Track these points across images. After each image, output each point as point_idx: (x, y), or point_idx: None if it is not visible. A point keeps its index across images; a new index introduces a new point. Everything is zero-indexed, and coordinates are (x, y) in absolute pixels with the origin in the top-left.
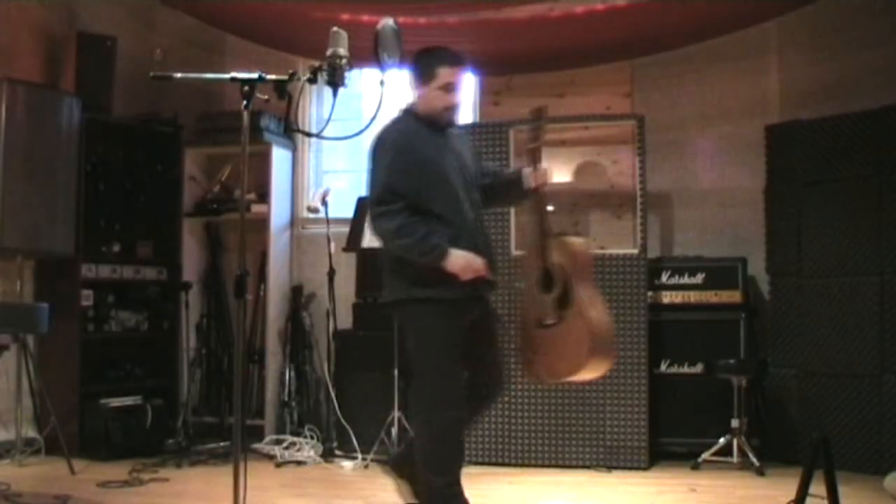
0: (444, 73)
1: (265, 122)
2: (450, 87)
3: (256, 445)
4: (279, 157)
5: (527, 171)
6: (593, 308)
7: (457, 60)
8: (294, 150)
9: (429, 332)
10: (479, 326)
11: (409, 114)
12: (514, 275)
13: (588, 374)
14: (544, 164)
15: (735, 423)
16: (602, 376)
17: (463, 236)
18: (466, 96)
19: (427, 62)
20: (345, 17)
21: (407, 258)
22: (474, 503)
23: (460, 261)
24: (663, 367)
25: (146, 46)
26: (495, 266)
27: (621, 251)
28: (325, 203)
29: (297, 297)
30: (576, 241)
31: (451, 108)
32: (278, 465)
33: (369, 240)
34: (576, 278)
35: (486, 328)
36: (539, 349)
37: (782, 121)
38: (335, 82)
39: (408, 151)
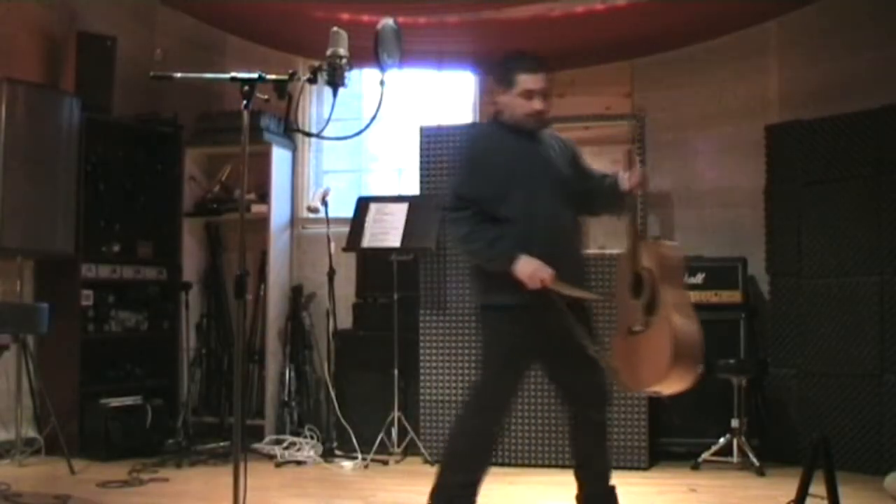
0: (523, 80)
1: (265, 122)
2: (530, 94)
3: (256, 445)
4: (279, 157)
5: (623, 174)
6: (678, 314)
7: (536, 66)
8: (294, 150)
9: (492, 337)
10: (558, 335)
11: (494, 120)
12: None
13: (673, 384)
14: (640, 166)
15: (735, 423)
16: (690, 388)
17: (537, 243)
18: (547, 101)
19: (506, 69)
20: (345, 17)
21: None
22: None
23: (528, 268)
24: None
25: (146, 46)
26: (581, 275)
27: (621, 251)
28: (325, 203)
29: (297, 297)
30: (665, 244)
31: (534, 115)
32: (278, 465)
33: (369, 240)
34: (663, 283)
35: (567, 337)
36: (627, 356)
37: (782, 121)
38: (335, 82)
39: (483, 159)
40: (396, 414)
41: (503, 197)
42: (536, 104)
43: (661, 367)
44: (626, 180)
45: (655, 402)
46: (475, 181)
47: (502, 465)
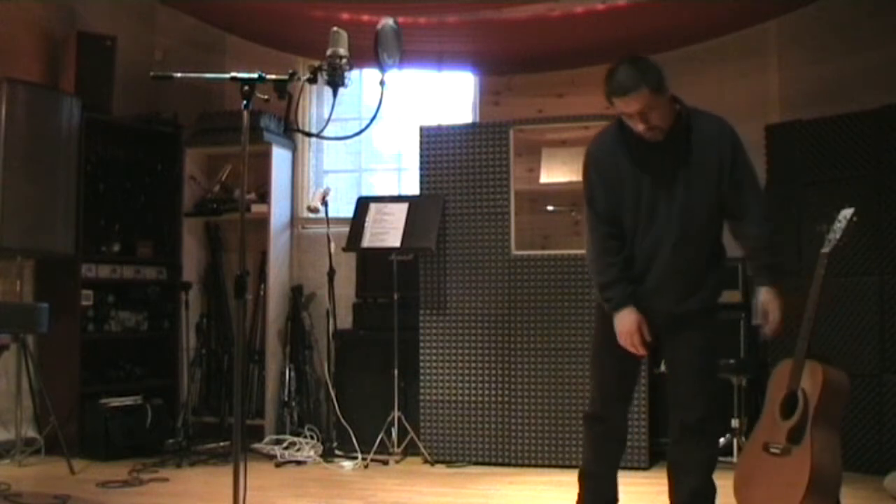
0: (616, 103)
1: (265, 122)
2: (628, 116)
3: (256, 445)
4: (279, 157)
5: (765, 296)
6: (825, 455)
7: (619, 90)
8: (294, 150)
9: (594, 333)
10: (667, 338)
11: (620, 121)
12: (514, 276)
13: None
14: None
15: (735, 423)
16: None
17: (638, 271)
18: (656, 115)
19: (605, 86)
20: (345, 17)
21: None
22: (474, 503)
23: (622, 324)
24: (663, 367)
25: (146, 46)
26: (695, 298)
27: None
28: (325, 203)
29: (297, 297)
30: (831, 371)
31: (645, 133)
32: (278, 465)
33: (369, 240)
34: (816, 413)
35: (674, 343)
36: (752, 471)
37: (782, 121)
38: (335, 82)
39: (601, 167)
40: (396, 414)
41: (618, 214)
42: (638, 126)
43: (789, 502)
44: (760, 314)
45: (655, 403)
46: (599, 192)
47: (502, 464)
